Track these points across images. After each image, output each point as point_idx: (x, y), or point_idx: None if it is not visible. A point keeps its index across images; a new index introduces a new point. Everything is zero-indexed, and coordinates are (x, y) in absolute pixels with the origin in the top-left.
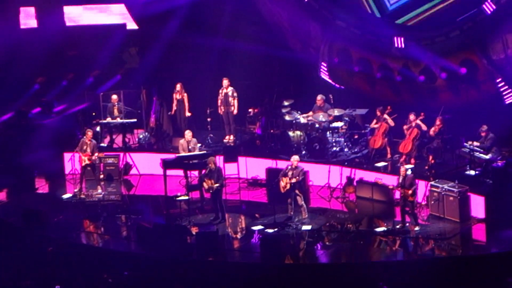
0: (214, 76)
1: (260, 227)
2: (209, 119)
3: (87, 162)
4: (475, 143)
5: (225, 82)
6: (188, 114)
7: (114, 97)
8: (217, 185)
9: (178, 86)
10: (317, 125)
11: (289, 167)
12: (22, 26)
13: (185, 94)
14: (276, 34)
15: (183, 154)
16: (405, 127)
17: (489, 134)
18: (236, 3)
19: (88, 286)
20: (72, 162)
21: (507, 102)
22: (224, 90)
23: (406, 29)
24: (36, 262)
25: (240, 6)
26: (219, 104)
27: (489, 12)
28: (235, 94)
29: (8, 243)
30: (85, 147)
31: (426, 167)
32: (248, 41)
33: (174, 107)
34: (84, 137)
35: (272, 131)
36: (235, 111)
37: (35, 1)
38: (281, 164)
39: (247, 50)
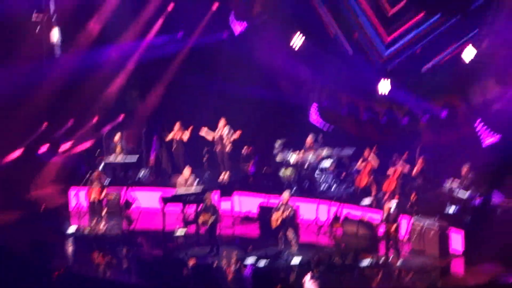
0: (211, 116)
1: (252, 259)
2: (205, 158)
3: (95, 198)
4: (454, 184)
5: (221, 123)
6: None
7: (117, 136)
8: (214, 217)
9: (176, 126)
10: (306, 165)
11: (281, 202)
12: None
13: (186, 132)
14: (270, 78)
15: (181, 190)
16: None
17: (469, 173)
18: (233, 48)
19: None
20: (77, 197)
21: (485, 145)
22: (220, 131)
23: (391, 72)
24: None
25: (236, 51)
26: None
27: (468, 59)
28: (231, 132)
29: (14, 273)
30: (93, 184)
31: (409, 204)
32: (243, 83)
33: (174, 145)
34: (93, 175)
35: (264, 168)
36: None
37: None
38: (274, 200)
39: (242, 92)
